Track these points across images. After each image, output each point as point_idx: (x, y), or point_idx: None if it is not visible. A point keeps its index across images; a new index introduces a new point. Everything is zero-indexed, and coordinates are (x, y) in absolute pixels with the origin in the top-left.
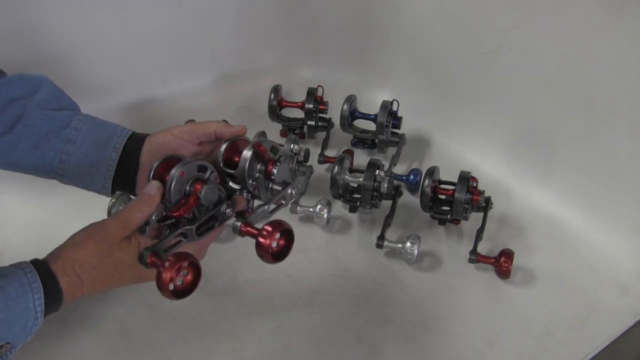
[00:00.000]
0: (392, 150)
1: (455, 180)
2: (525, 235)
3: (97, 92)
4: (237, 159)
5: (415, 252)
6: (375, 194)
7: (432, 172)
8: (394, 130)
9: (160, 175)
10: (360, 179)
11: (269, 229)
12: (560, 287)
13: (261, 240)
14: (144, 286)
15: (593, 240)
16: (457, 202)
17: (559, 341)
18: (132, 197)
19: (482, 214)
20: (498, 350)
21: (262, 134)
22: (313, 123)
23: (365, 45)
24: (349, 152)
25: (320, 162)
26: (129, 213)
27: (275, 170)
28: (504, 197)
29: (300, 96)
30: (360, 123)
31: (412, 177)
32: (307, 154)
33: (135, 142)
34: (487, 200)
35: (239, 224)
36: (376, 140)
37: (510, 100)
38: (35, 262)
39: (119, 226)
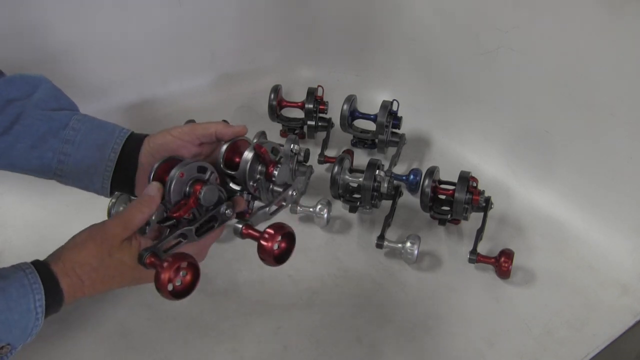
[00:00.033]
0: (392, 150)
1: (455, 180)
2: (525, 235)
3: (97, 92)
4: (237, 160)
5: (415, 252)
6: (375, 194)
7: (432, 172)
8: (394, 130)
9: (161, 176)
10: (360, 179)
11: (271, 231)
12: (560, 287)
13: (263, 243)
14: (143, 287)
15: (593, 240)
16: (457, 202)
17: (559, 341)
18: (131, 197)
19: (482, 214)
20: (498, 350)
21: (262, 134)
22: (313, 123)
23: (365, 45)
24: (349, 152)
25: (320, 162)
26: (130, 214)
27: (276, 172)
28: (504, 197)
29: (300, 96)
30: (360, 123)
31: (412, 177)
32: (307, 154)
33: (134, 143)
34: (487, 200)
35: (241, 226)
36: (376, 140)
37: (510, 100)
38: (36, 263)
39: (119, 227)
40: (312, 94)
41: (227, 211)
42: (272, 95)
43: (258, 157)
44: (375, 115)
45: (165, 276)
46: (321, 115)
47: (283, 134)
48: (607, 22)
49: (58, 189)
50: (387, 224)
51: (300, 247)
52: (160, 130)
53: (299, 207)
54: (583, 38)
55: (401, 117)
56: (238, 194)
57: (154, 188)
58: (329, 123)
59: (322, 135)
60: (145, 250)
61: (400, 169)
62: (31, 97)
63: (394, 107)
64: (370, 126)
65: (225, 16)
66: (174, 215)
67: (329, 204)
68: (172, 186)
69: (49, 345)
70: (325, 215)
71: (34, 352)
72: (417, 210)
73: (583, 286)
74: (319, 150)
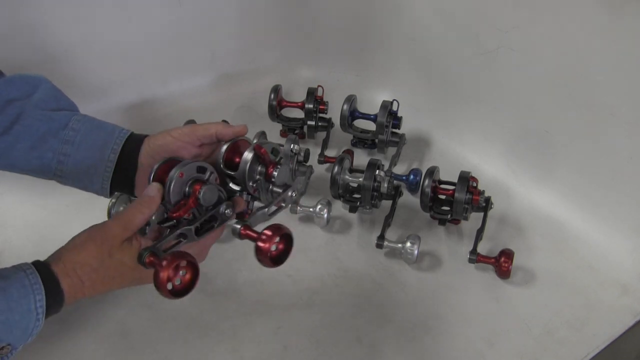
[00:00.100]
0: (392, 150)
1: (455, 180)
2: (525, 235)
3: (97, 92)
4: (237, 160)
5: (415, 252)
6: (375, 194)
7: (432, 172)
8: (394, 130)
9: (161, 177)
10: (360, 179)
11: (269, 233)
12: (560, 287)
13: (260, 244)
14: (143, 287)
15: (593, 240)
16: (457, 202)
17: (559, 341)
18: (131, 197)
19: (482, 214)
20: (498, 350)
21: (262, 134)
22: (313, 123)
23: (365, 45)
24: (349, 152)
25: (320, 162)
26: (130, 215)
27: (275, 173)
28: (504, 197)
29: (300, 96)
30: (360, 123)
31: (412, 177)
32: (307, 154)
33: (133, 143)
34: (487, 200)
35: (239, 227)
36: (376, 140)
37: (510, 100)
38: (36, 264)
39: (119, 228)
40: (312, 94)
41: (227, 211)
42: (272, 95)
43: (258, 158)
44: (375, 115)
45: (164, 275)
46: (321, 115)
47: (283, 134)
48: (607, 22)
49: (58, 189)
50: (387, 224)
51: (300, 247)
52: (160, 130)
53: (299, 207)
54: (583, 38)
55: (401, 117)
56: (238, 194)
57: (154, 188)
58: (329, 123)
59: (322, 135)
60: (145, 249)
61: (400, 169)
62: (31, 97)
63: (394, 107)
64: (370, 126)
65: (225, 16)
66: (174, 215)
67: (329, 204)
68: (172, 186)
69: (49, 345)
70: (325, 215)
71: (34, 352)
72: (417, 210)
73: (583, 286)
74: (319, 150)
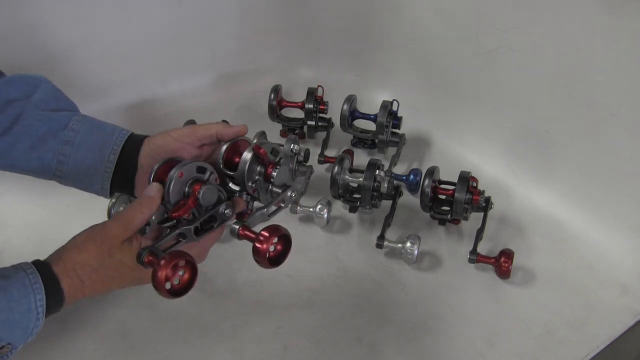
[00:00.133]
0: (392, 150)
1: (455, 180)
2: (525, 235)
3: (97, 92)
4: (237, 160)
5: (415, 252)
6: (375, 194)
7: (432, 172)
8: (394, 130)
9: (161, 177)
10: (360, 179)
11: (266, 234)
12: (560, 287)
13: (258, 245)
14: (143, 287)
15: (593, 240)
16: (457, 202)
17: (559, 341)
18: (131, 198)
19: (482, 214)
20: (498, 350)
21: (262, 134)
22: (313, 123)
23: (365, 45)
24: (349, 152)
25: (320, 162)
26: (130, 215)
27: (274, 173)
28: (504, 197)
29: (300, 96)
30: (360, 123)
31: (412, 177)
32: (307, 154)
33: (133, 144)
34: (487, 200)
35: (237, 227)
36: (376, 140)
37: (510, 100)
38: (36, 263)
39: (120, 228)
40: (312, 94)
41: (227, 211)
42: (272, 95)
43: (257, 158)
44: (375, 115)
45: (162, 274)
46: (321, 115)
47: (283, 134)
48: (607, 22)
49: (58, 189)
50: (387, 224)
51: (300, 247)
52: (160, 131)
53: (299, 207)
54: (583, 38)
55: (401, 117)
56: (237, 194)
57: (154, 189)
58: (329, 123)
59: (322, 135)
60: (144, 249)
61: (400, 169)
62: (31, 97)
63: (394, 107)
64: (370, 126)
65: (225, 16)
66: (174, 215)
67: (329, 204)
68: (171, 186)
69: (49, 345)
70: (325, 215)
71: (34, 352)
72: (417, 210)
73: (583, 286)
74: (319, 150)
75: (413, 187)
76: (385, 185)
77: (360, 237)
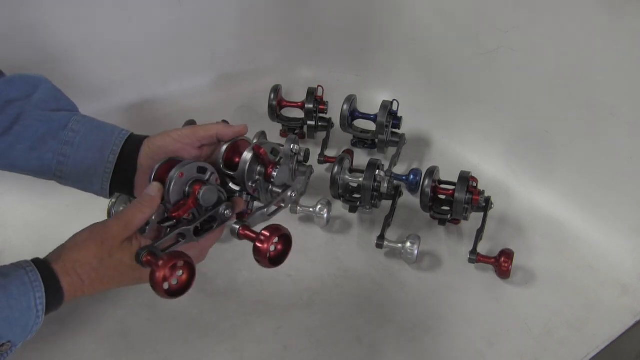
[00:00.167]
0: (392, 150)
1: (455, 180)
2: (525, 235)
3: (97, 92)
4: (237, 160)
5: (415, 252)
6: (375, 194)
7: (432, 172)
8: (394, 130)
9: (161, 177)
10: (360, 179)
11: (267, 233)
12: (560, 287)
13: (258, 245)
14: (143, 287)
15: (593, 240)
16: (457, 202)
17: (559, 341)
18: (131, 198)
19: (482, 214)
20: (498, 350)
21: (262, 134)
22: (313, 123)
23: (365, 45)
24: (349, 152)
25: (320, 162)
26: (130, 214)
27: (275, 173)
28: (504, 197)
29: (300, 96)
30: (360, 123)
31: (412, 177)
32: (307, 154)
33: (133, 144)
34: (487, 200)
35: (238, 227)
36: (376, 140)
37: (510, 100)
38: (36, 262)
39: (120, 227)
40: (312, 94)
41: (227, 211)
42: (272, 95)
43: (257, 158)
44: (375, 115)
45: (160, 274)
46: (321, 115)
47: (283, 134)
48: (607, 22)
49: (58, 189)
50: (387, 224)
51: (300, 247)
52: (160, 131)
53: (299, 207)
54: (583, 38)
55: (401, 117)
56: (237, 194)
57: (155, 188)
58: (329, 123)
59: (322, 135)
60: (143, 249)
61: (400, 169)
62: (31, 97)
63: (394, 107)
64: (370, 126)
65: (225, 16)
66: (174, 215)
67: (329, 204)
68: (172, 186)
69: (49, 345)
70: (325, 215)
71: (34, 352)
72: (417, 210)
73: (583, 286)
74: (319, 150)
75: (413, 187)
76: (385, 185)
77: (360, 237)
